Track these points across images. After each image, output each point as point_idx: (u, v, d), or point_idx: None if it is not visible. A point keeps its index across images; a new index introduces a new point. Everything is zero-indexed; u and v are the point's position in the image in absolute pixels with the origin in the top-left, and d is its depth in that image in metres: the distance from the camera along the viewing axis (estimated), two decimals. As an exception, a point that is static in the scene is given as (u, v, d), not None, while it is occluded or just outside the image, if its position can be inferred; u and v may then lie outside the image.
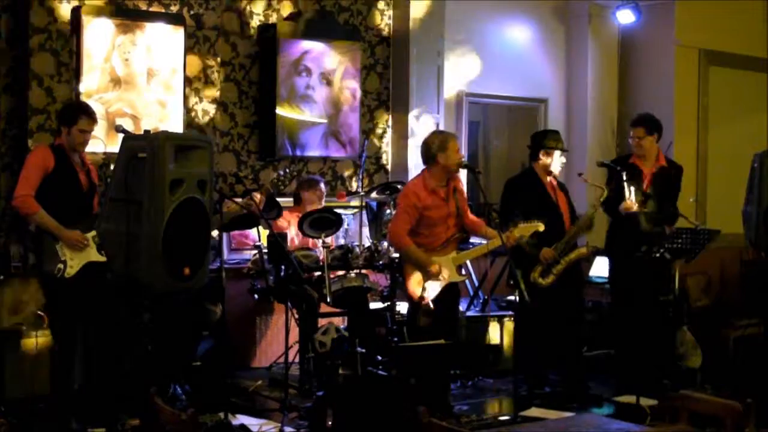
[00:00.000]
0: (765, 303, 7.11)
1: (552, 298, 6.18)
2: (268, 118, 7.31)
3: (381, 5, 7.96)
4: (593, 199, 6.58)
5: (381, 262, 6.48)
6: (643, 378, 6.17)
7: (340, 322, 6.63)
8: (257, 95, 7.38)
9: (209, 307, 6.10)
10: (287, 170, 7.14)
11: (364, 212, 7.30)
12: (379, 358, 6.04)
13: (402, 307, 6.35)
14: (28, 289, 6.10)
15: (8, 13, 6.36)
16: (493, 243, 5.96)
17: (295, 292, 6.19)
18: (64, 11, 6.42)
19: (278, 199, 6.46)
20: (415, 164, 7.44)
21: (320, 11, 7.62)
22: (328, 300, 6.14)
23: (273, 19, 7.42)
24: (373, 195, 7.01)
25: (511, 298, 6.99)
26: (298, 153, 7.45)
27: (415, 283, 5.88)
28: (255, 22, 7.35)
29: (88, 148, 5.61)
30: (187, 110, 6.97)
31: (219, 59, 7.12)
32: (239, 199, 6.04)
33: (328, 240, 6.43)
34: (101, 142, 6.00)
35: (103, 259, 5.27)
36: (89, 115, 5.48)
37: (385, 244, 6.49)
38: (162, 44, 6.76)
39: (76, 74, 6.44)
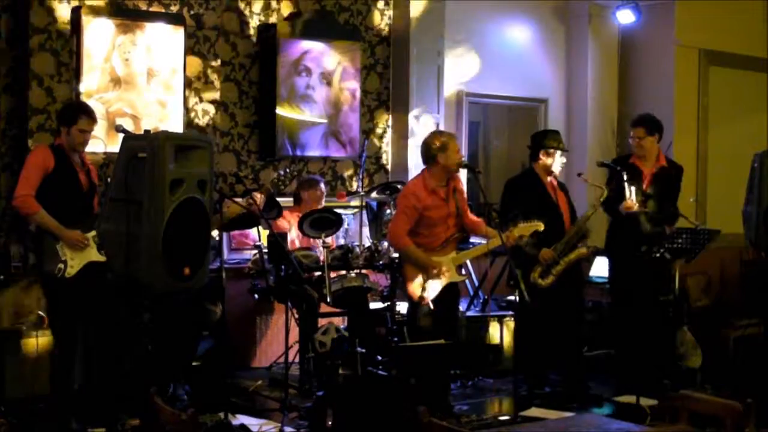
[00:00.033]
0: (765, 303, 7.11)
1: (552, 298, 6.18)
2: (268, 118, 7.31)
3: (381, 5, 7.96)
4: (593, 199, 6.58)
5: (381, 262, 6.48)
6: (643, 378, 6.17)
7: (340, 322, 6.63)
8: (257, 95, 7.38)
9: (209, 307, 6.10)
10: (287, 170, 7.14)
11: (364, 212, 7.30)
12: (379, 358, 6.04)
13: (402, 307, 6.35)
14: (29, 289, 6.09)
15: (8, 13, 6.36)
16: (492, 243, 5.96)
17: (295, 292, 6.19)
18: (64, 11, 6.42)
19: (278, 199, 6.46)
20: (415, 164, 7.44)
21: (320, 11, 7.62)
22: (328, 300, 6.14)
23: (273, 19, 7.42)
24: (373, 195, 7.01)
25: (511, 298, 6.98)
26: (298, 153, 7.45)
27: (414, 283, 5.88)
28: (255, 22, 7.35)
29: (88, 148, 5.61)
30: (187, 110, 6.97)
31: (219, 59, 7.12)
32: (239, 199, 6.04)
33: (329, 240, 6.43)
34: (101, 142, 6.00)
35: (103, 259, 5.27)
36: (89, 114, 5.48)
37: (385, 244, 6.49)
38: (162, 44, 6.76)
39: (76, 74, 6.44)
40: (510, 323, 6.99)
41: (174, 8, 6.89)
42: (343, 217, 6.58)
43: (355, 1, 7.83)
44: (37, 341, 5.86)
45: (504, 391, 6.49)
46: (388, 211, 6.94)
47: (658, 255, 6.18)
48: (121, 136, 5.21)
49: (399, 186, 6.71)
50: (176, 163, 4.87)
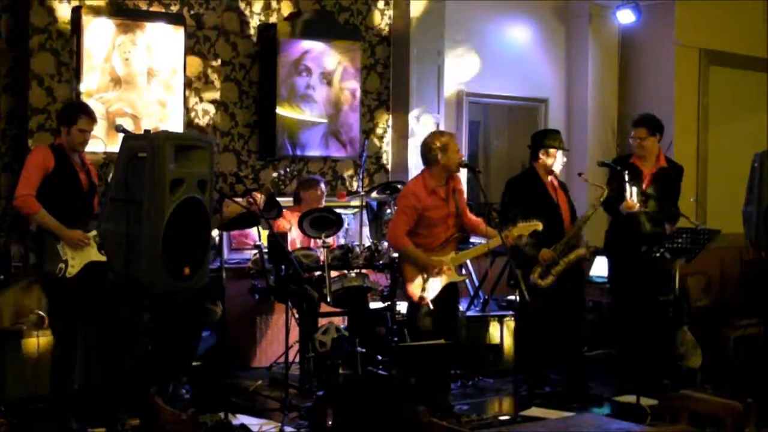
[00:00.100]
0: (765, 303, 7.11)
1: (552, 298, 6.18)
2: (268, 117, 7.31)
3: (381, 5, 7.96)
4: (593, 199, 6.58)
5: (381, 262, 6.48)
6: (643, 378, 6.17)
7: (340, 321, 6.63)
8: (257, 95, 7.38)
9: (209, 306, 6.10)
10: (287, 170, 7.14)
11: (364, 212, 7.30)
12: (379, 358, 6.04)
13: (402, 307, 6.35)
14: (29, 289, 6.09)
15: (8, 13, 6.36)
16: (492, 242, 5.96)
17: (296, 291, 6.19)
18: (64, 11, 6.42)
19: (278, 199, 6.46)
20: (415, 164, 7.44)
21: (320, 11, 7.62)
22: (329, 300, 6.15)
23: (273, 19, 7.42)
24: (374, 195, 7.01)
25: (511, 298, 6.99)
26: (299, 153, 7.45)
27: (414, 283, 5.88)
28: (255, 22, 7.35)
29: (88, 148, 5.61)
30: (187, 110, 6.97)
31: (219, 59, 7.12)
32: (239, 199, 6.04)
33: (329, 240, 6.43)
34: (101, 142, 6.00)
35: (104, 258, 5.27)
36: (89, 114, 5.48)
37: (386, 244, 6.48)
38: (162, 44, 6.76)
39: (77, 74, 6.44)
40: (510, 323, 6.99)
41: (174, 8, 6.89)
42: (343, 217, 6.58)
43: (355, 1, 7.83)
44: (38, 341, 5.86)
45: (504, 391, 6.49)
46: (388, 211, 6.94)
47: (658, 255, 6.18)
48: (121, 136, 5.21)
49: (399, 186, 6.71)
50: (176, 163, 4.87)
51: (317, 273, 6.35)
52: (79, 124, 5.40)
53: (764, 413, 3.84)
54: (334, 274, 6.27)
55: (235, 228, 6.54)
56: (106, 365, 5.51)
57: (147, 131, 5.64)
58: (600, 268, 7.62)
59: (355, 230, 7.20)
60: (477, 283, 7.52)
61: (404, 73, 7.92)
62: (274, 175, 7.27)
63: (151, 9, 6.80)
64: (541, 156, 6.38)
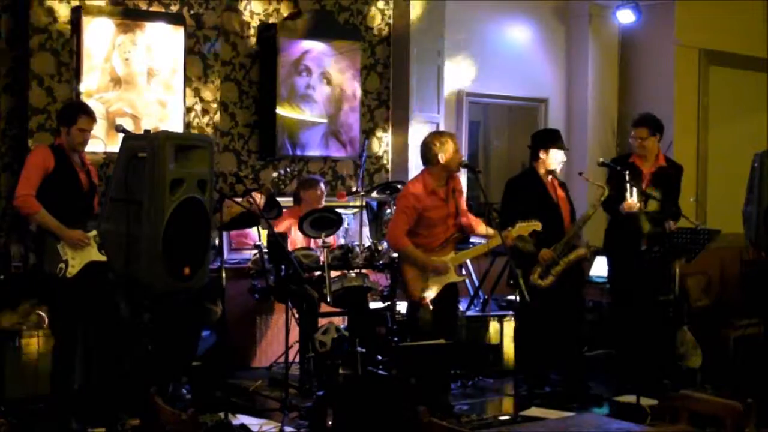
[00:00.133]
0: (765, 303, 7.11)
1: (552, 298, 6.18)
2: (268, 117, 7.31)
3: (381, 5, 7.96)
4: (593, 198, 6.57)
5: (381, 262, 6.48)
6: (643, 378, 6.17)
7: (340, 321, 6.63)
8: (257, 95, 7.38)
9: (209, 306, 6.10)
10: (288, 170, 7.14)
11: (364, 212, 7.30)
12: (379, 358, 6.04)
13: (402, 307, 6.35)
14: (29, 289, 6.09)
15: (8, 13, 6.37)
16: (492, 242, 5.96)
17: (296, 291, 6.19)
18: (64, 11, 6.42)
19: (278, 199, 6.45)
20: (415, 164, 7.44)
21: (320, 11, 7.62)
22: (329, 300, 6.14)
23: (273, 19, 7.42)
24: (374, 195, 7.01)
25: (511, 298, 6.99)
26: (299, 153, 7.45)
27: (414, 283, 5.88)
28: (255, 22, 7.35)
29: (88, 148, 5.61)
30: (187, 110, 6.97)
31: (219, 59, 7.12)
32: (239, 199, 6.04)
33: (330, 239, 6.43)
34: (101, 142, 6.00)
35: (104, 258, 5.27)
36: (88, 114, 5.48)
37: (386, 243, 6.48)
38: (162, 44, 6.76)
39: (77, 74, 6.44)
40: (510, 323, 6.99)
41: (174, 8, 6.89)
42: (343, 217, 6.58)
43: (355, 1, 7.83)
44: (38, 341, 5.86)
45: (504, 391, 6.49)
46: (389, 210, 6.94)
47: (658, 255, 6.18)
48: (121, 136, 5.21)
49: (399, 186, 6.71)
50: (176, 162, 4.87)
51: (317, 273, 6.35)
52: (78, 123, 5.40)
53: (764, 413, 3.84)
54: (334, 274, 6.27)
55: (235, 228, 6.53)
56: (106, 365, 5.51)
57: (147, 131, 5.64)
58: (600, 268, 7.62)
59: (355, 230, 7.20)
60: (477, 283, 7.52)
61: (404, 73, 7.92)
62: (274, 175, 7.27)
63: (151, 9, 6.80)
64: (541, 156, 6.38)
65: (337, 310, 6.50)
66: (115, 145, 5.54)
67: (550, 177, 6.40)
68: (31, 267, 6.02)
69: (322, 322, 6.40)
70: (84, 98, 6.34)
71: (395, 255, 6.29)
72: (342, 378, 5.83)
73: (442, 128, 7.75)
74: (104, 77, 6.55)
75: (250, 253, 6.83)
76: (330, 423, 5.31)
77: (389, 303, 6.35)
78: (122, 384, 5.37)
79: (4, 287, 6.00)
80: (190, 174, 4.91)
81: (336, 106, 7.60)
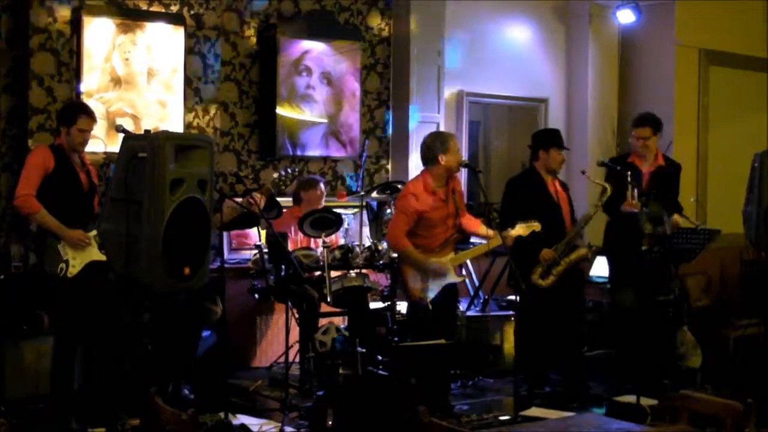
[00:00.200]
0: (765, 303, 7.10)
1: (552, 298, 6.18)
2: (268, 117, 7.31)
3: (381, 5, 7.96)
4: (594, 199, 6.56)
5: (381, 262, 6.48)
6: (643, 378, 6.16)
7: (341, 321, 6.63)
8: (257, 95, 7.38)
9: (209, 306, 6.10)
10: (289, 170, 7.14)
11: (364, 212, 7.30)
12: (379, 358, 6.04)
13: (402, 306, 6.35)
14: (29, 289, 6.09)
15: (8, 13, 6.37)
16: (493, 243, 5.96)
17: (296, 291, 6.19)
18: (64, 11, 6.42)
19: (278, 199, 6.45)
20: (415, 164, 7.44)
21: (320, 11, 7.62)
22: (329, 300, 6.15)
23: (273, 19, 7.42)
24: (374, 195, 7.01)
25: (511, 298, 6.98)
26: (299, 153, 7.45)
27: (413, 284, 5.88)
28: (255, 21, 7.35)
29: (88, 148, 5.61)
30: (187, 110, 6.96)
31: (219, 59, 7.13)
32: (239, 199, 6.04)
33: (329, 239, 6.42)
34: (101, 142, 6.01)
35: (105, 258, 5.27)
36: (88, 114, 5.48)
37: (386, 243, 6.49)
38: (162, 44, 6.76)
39: (77, 74, 6.45)
40: (510, 323, 6.99)
41: (174, 8, 6.89)
42: (343, 217, 6.58)
43: (355, 1, 7.83)
44: (38, 341, 5.86)
45: (504, 391, 6.48)
46: (388, 211, 6.94)
47: (658, 255, 6.17)
48: (121, 136, 5.21)
49: (399, 186, 6.71)
50: (176, 162, 4.87)
51: (317, 273, 6.36)
52: (78, 124, 5.40)
53: (764, 413, 3.84)
54: (334, 274, 6.27)
55: (235, 228, 6.54)
56: (106, 365, 5.51)
57: (147, 131, 5.64)
58: (600, 268, 7.62)
59: (355, 230, 7.20)
60: (477, 283, 7.52)
61: (404, 73, 7.92)
62: (275, 176, 7.28)
63: (151, 9, 6.80)
64: (541, 156, 6.37)
65: (338, 310, 6.50)
66: (115, 145, 5.54)
67: (550, 177, 6.40)
68: (31, 267, 6.02)
69: (323, 322, 6.40)
70: (84, 98, 6.34)
71: (395, 255, 6.29)
72: (342, 378, 5.83)
73: (442, 128, 7.76)
74: (104, 77, 6.55)
75: (250, 253, 6.83)
76: (330, 423, 5.31)
77: (389, 303, 6.35)
78: (122, 384, 5.37)
79: (4, 287, 5.99)
80: (190, 174, 4.91)
81: (336, 106, 7.61)
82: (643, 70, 8.97)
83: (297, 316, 6.30)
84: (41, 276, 5.49)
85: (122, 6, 6.68)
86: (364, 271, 6.43)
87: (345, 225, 6.90)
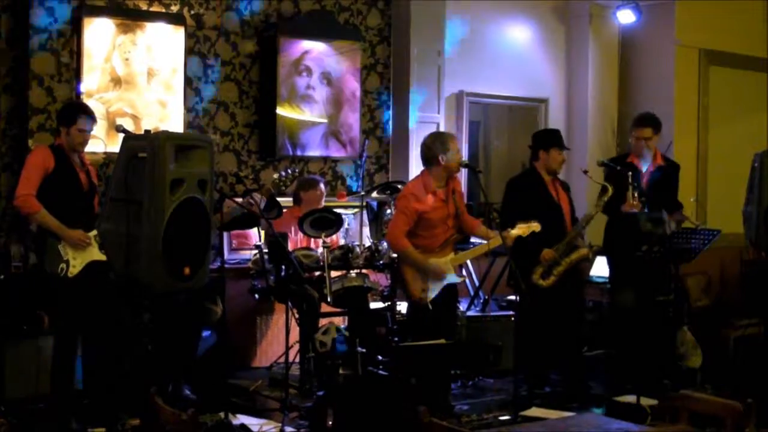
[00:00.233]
0: (765, 303, 7.11)
1: (552, 298, 6.17)
2: (268, 117, 7.31)
3: (381, 5, 7.96)
4: (596, 198, 6.56)
5: (381, 262, 6.48)
6: (643, 378, 6.17)
7: (341, 321, 6.63)
8: (257, 95, 7.38)
9: (209, 306, 6.10)
10: (289, 171, 7.14)
11: (364, 212, 7.30)
12: (379, 358, 6.04)
13: (402, 306, 6.35)
14: (29, 289, 6.09)
15: (8, 13, 6.37)
16: (493, 243, 5.96)
17: (296, 291, 6.19)
18: (64, 11, 6.42)
19: (278, 199, 6.45)
20: (415, 165, 7.44)
21: (320, 11, 7.62)
22: (329, 300, 6.15)
23: (273, 19, 7.42)
24: (374, 195, 7.01)
25: (511, 298, 6.98)
26: (299, 153, 7.46)
27: (413, 284, 5.88)
28: (255, 22, 7.36)
29: (88, 148, 5.61)
30: (187, 110, 6.97)
31: (219, 59, 7.13)
32: (239, 199, 6.04)
33: (330, 239, 6.42)
34: (101, 142, 6.01)
35: (105, 258, 5.27)
36: (88, 114, 5.48)
37: (386, 244, 6.49)
38: (162, 44, 6.76)
39: (77, 74, 6.45)
40: (510, 323, 6.98)
41: (174, 8, 6.89)
42: (343, 217, 6.58)
43: (355, 1, 7.83)
44: (38, 341, 5.86)
45: (504, 391, 6.48)
46: (388, 211, 6.94)
47: (658, 255, 6.17)
48: (121, 136, 5.20)
49: (399, 186, 6.71)
50: (176, 163, 4.87)
51: (317, 273, 6.36)
52: (78, 124, 5.40)
53: (764, 413, 3.84)
54: (334, 274, 6.27)
55: (235, 228, 6.54)
56: (106, 365, 5.51)
57: (147, 131, 5.63)
58: (600, 268, 7.62)
59: (355, 230, 7.20)
60: (477, 283, 7.52)
61: (404, 73, 7.92)
62: (276, 176, 7.28)
63: (151, 9, 6.80)
64: (541, 156, 6.37)
65: (338, 310, 6.50)
66: (115, 145, 5.54)
67: (550, 177, 6.40)
68: (31, 267, 6.03)
69: (323, 322, 6.40)
70: (84, 98, 6.35)
71: (395, 255, 6.29)
72: (342, 378, 5.83)
73: (442, 128, 7.76)
74: (104, 77, 6.56)
75: (250, 253, 6.84)
76: (330, 423, 5.31)
77: (389, 303, 6.35)
78: (122, 384, 5.37)
79: (4, 287, 5.99)
80: (190, 174, 4.91)
81: (336, 106, 7.61)
82: (643, 70, 8.98)
83: (297, 316, 6.30)
84: (41, 276, 5.49)
85: (122, 6, 6.68)
86: (364, 271, 6.43)
87: (345, 225, 6.90)
